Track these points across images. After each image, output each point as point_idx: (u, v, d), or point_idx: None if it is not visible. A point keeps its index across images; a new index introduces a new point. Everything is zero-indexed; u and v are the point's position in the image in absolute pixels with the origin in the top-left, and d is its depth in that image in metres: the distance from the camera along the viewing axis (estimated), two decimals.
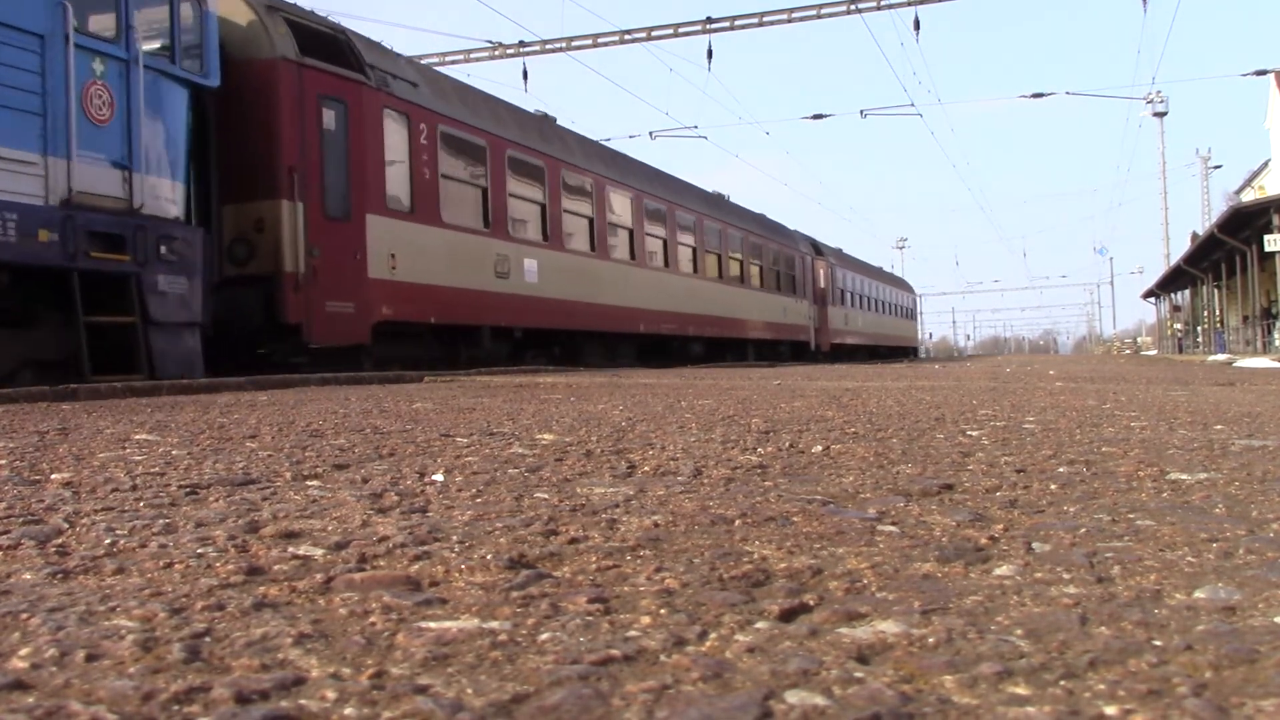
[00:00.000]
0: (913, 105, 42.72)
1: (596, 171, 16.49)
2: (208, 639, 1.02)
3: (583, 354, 15.87)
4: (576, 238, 15.66)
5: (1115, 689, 0.87)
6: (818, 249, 30.50)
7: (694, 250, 20.36)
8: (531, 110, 16.24)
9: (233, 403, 5.24)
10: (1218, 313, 38.40)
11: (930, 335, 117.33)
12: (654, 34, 24.94)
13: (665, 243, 18.97)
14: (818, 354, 29.00)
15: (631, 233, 17.56)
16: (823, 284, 30.03)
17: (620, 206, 17.25)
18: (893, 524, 1.67)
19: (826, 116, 30.20)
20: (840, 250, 33.84)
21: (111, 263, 8.01)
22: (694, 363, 19.53)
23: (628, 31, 24.99)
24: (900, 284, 45.91)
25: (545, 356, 15.07)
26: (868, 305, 36.05)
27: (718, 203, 22.94)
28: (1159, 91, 41.70)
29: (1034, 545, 1.49)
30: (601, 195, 16.48)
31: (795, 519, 1.72)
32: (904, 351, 43.16)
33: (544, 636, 1.03)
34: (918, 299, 51.25)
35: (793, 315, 26.98)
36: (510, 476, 2.27)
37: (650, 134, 30.47)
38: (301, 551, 1.45)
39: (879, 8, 23.01)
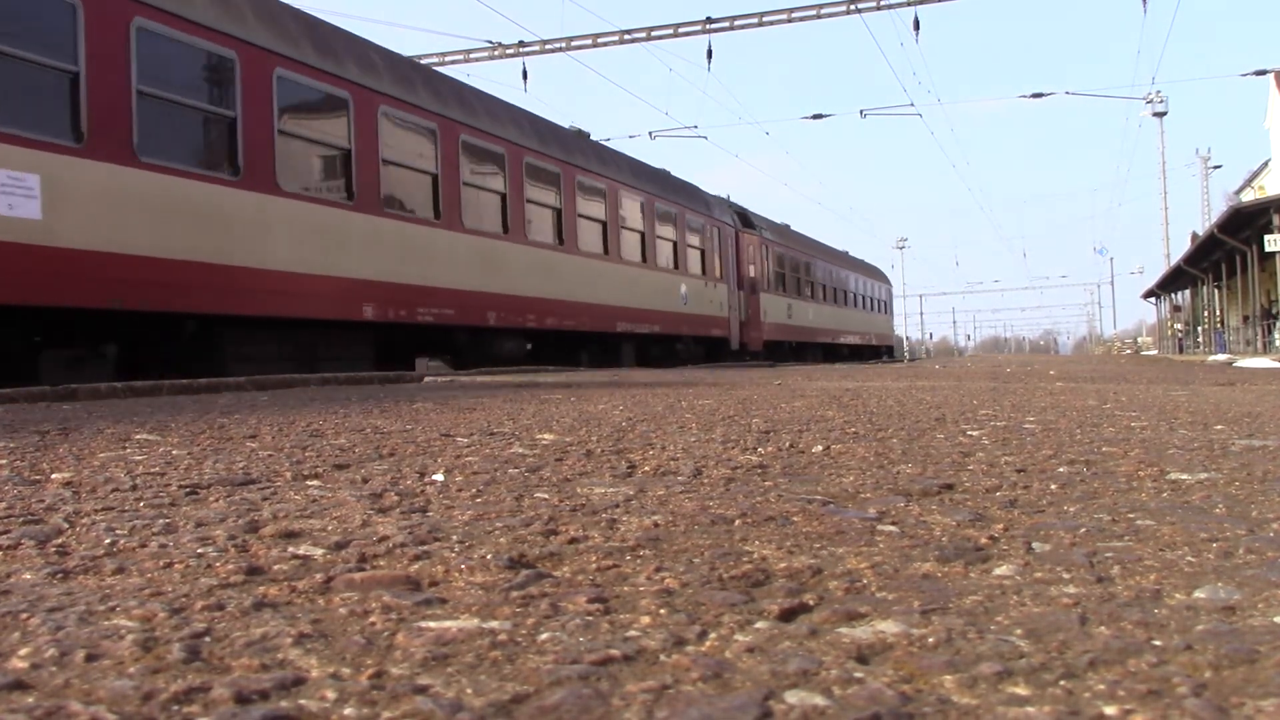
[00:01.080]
0: (912, 105, 42.89)
1: (262, 45, 9.76)
2: (208, 639, 1.02)
3: (224, 354, 9.50)
4: (189, 151, 9.19)
5: (1115, 689, 0.87)
6: (747, 220, 24.21)
7: (503, 199, 13.79)
8: None
9: (233, 403, 5.24)
10: (1218, 313, 38.39)
11: (931, 335, 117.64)
12: (654, 34, 24.96)
13: (435, 180, 12.33)
14: (743, 354, 22.84)
15: (351, 157, 10.96)
16: (754, 266, 23.99)
17: (326, 114, 10.82)
18: (893, 524, 1.67)
19: (826, 116, 30.27)
20: (786, 227, 28.21)
21: None
22: (506, 363, 13.39)
23: (627, 31, 25.01)
24: (870, 271, 38.92)
25: (104, 364, 8.69)
26: (823, 295, 30.25)
27: (569, 141, 16.26)
28: (1159, 91, 41.72)
29: (1034, 545, 1.49)
30: (262, 90, 9.78)
31: (795, 519, 1.72)
32: (875, 351, 37.30)
33: (544, 636, 1.03)
34: (893, 289, 43.93)
35: (701, 303, 20.57)
36: (510, 476, 2.27)
37: (650, 134, 30.52)
38: (301, 551, 1.45)
39: (879, 8, 23.02)
